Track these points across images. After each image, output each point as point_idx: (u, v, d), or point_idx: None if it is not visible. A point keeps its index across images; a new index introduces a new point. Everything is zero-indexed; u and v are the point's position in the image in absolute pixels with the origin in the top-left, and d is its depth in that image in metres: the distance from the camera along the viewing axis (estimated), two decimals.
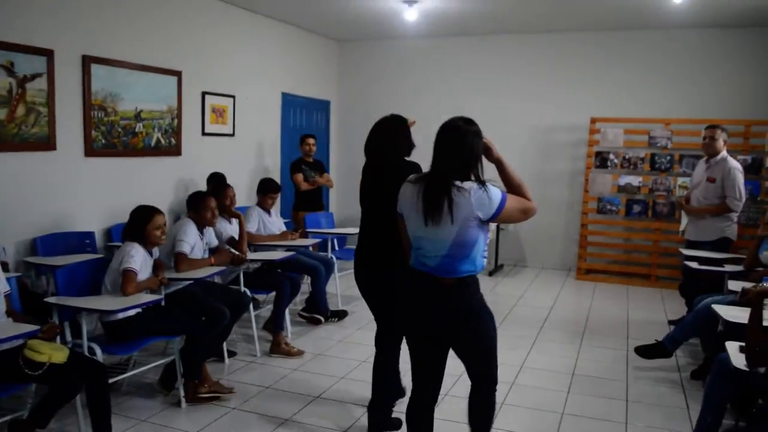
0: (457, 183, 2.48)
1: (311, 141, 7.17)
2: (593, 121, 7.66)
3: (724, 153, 5.35)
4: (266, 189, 5.49)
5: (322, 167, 7.35)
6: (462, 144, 2.54)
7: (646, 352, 4.56)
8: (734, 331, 3.35)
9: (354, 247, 3.55)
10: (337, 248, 6.65)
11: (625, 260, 7.74)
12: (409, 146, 3.30)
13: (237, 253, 4.64)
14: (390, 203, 2.80)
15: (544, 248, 8.32)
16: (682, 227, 5.70)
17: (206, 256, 4.41)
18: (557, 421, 3.75)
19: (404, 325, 2.81)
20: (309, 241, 5.68)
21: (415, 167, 3.13)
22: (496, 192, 2.51)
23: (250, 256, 4.89)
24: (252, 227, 5.34)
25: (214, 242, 4.63)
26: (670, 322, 5.83)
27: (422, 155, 3.08)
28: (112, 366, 3.86)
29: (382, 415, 3.48)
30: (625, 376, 4.50)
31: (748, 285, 3.74)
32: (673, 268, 7.49)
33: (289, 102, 8.07)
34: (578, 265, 7.84)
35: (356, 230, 6.10)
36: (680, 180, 7.29)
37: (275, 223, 5.60)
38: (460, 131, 2.56)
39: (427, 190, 2.51)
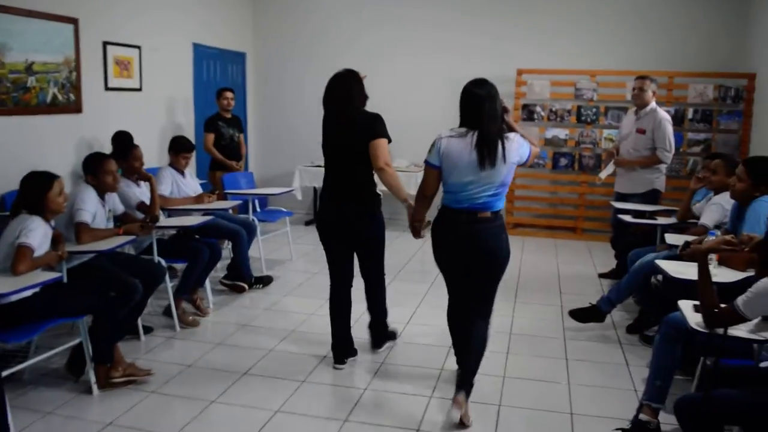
0: (504, 134, 3.05)
1: (229, 95, 6.69)
2: (520, 72, 7.51)
3: (653, 104, 5.29)
4: (179, 148, 5.03)
5: (239, 124, 6.89)
6: (497, 103, 3.09)
7: (581, 315, 4.43)
8: (674, 287, 3.27)
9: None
10: (258, 210, 6.28)
11: (552, 213, 7.74)
12: (365, 98, 3.67)
13: (147, 219, 4.17)
14: (362, 149, 3.46)
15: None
16: (602, 174, 5.64)
17: (110, 224, 3.96)
18: (500, 385, 3.61)
19: (441, 255, 3.24)
20: (228, 204, 5.27)
21: (378, 117, 3.57)
22: (523, 140, 3.13)
23: (164, 221, 4.47)
24: (165, 190, 4.88)
25: (120, 209, 4.17)
26: (601, 276, 5.84)
27: None
28: (7, 354, 3.41)
29: (383, 330, 4.03)
30: (562, 334, 4.42)
31: (689, 238, 3.68)
32: (599, 221, 7.55)
33: (202, 54, 7.49)
34: (506, 220, 7.74)
35: (279, 190, 5.73)
36: (606, 132, 7.29)
37: (190, 184, 5.16)
38: (493, 91, 3.11)
39: (483, 141, 2.99)
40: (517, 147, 3.07)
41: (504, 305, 4.94)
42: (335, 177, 3.65)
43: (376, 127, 3.51)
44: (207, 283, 4.83)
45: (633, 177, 5.37)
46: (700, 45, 7.22)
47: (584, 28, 7.52)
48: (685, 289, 2.98)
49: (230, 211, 5.47)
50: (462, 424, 3.09)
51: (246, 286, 5.20)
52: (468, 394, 3.12)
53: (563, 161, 7.43)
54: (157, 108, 6.76)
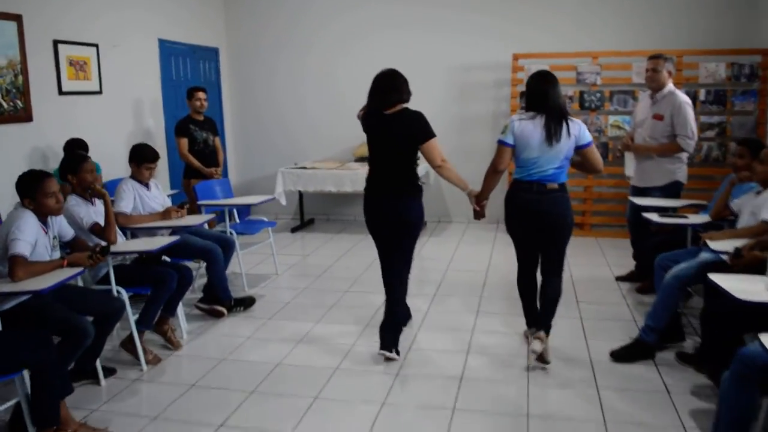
0: (568, 116, 3.55)
1: (202, 95, 6.08)
2: (516, 57, 6.94)
3: (670, 86, 4.74)
4: (140, 158, 4.41)
5: (214, 126, 6.28)
6: (558, 90, 3.59)
7: (626, 355, 3.70)
8: (729, 308, 2.70)
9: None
10: (238, 221, 5.68)
11: None
12: (410, 96, 3.79)
13: (96, 247, 3.43)
14: (411, 146, 3.69)
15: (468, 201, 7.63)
16: (627, 170, 5.06)
17: (56, 254, 3.35)
18: (524, 428, 3.05)
19: (514, 222, 3.74)
20: (199, 218, 4.66)
21: (422, 116, 3.70)
22: (587, 132, 3.61)
23: (121, 246, 3.85)
24: (126, 206, 4.27)
25: (69, 233, 3.55)
26: (619, 279, 5.29)
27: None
28: None
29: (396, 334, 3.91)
30: (587, 355, 3.85)
31: (738, 242, 3.11)
32: (608, 215, 7.01)
33: (169, 50, 6.86)
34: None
35: (259, 198, 5.14)
36: (612, 119, 6.73)
37: (156, 198, 4.55)
38: (555, 80, 3.60)
39: (551, 120, 3.48)
40: (579, 127, 3.57)
41: (518, 321, 4.38)
42: (385, 171, 3.81)
43: (424, 127, 3.68)
44: (180, 307, 4.24)
45: (651, 168, 4.81)
46: (708, 20, 6.68)
47: (584, 6, 6.95)
48: (750, 312, 2.42)
49: (206, 225, 4.87)
50: (542, 358, 3.60)
51: (224, 311, 4.60)
52: (547, 334, 3.67)
53: None
54: (120, 112, 6.13)
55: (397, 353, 3.80)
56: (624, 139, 5.14)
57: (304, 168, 7.11)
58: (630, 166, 5.01)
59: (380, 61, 7.82)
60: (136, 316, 3.82)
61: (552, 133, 3.47)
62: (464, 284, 5.31)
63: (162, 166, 6.66)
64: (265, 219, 5.73)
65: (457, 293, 5.07)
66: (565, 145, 3.52)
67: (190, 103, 6.06)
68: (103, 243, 3.59)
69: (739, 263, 2.89)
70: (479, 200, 3.85)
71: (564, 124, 3.50)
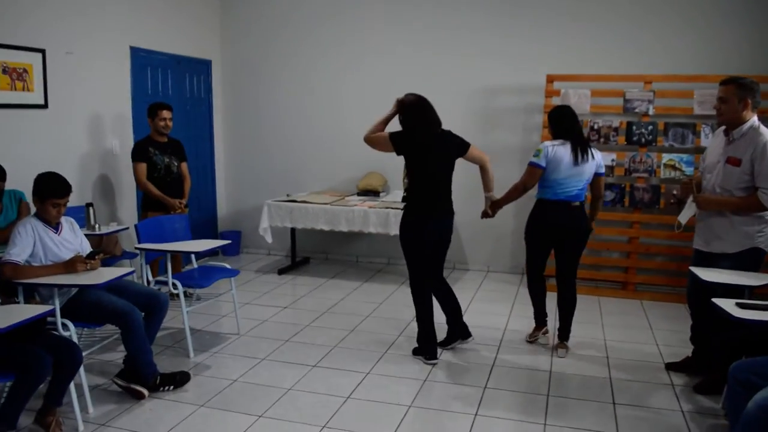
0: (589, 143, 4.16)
1: (166, 114, 5.16)
2: (550, 79, 5.78)
3: (753, 121, 3.52)
4: (45, 192, 3.41)
5: (179, 150, 5.33)
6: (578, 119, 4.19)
7: None
8: None
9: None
10: (195, 265, 4.65)
11: (594, 264, 5.93)
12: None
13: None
14: (452, 165, 4.07)
15: (490, 246, 6.46)
16: (682, 218, 3.84)
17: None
18: None
19: (537, 235, 4.21)
20: (117, 271, 3.59)
21: (451, 132, 4.08)
22: (603, 162, 4.24)
23: None
24: (18, 254, 3.27)
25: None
26: (670, 367, 4.04)
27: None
28: None
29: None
30: None
31: None
32: (658, 274, 5.76)
33: (144, 60, 5.93)
34: None
35: (213, 243, 4.74)
36: (666, 157, 5.50)
37: (68, 242, 3.54)
38: (575, 112, 4.17)
39: (578, 146, 4.01)
40: (599, 155, 4.14)
41: (530, 428, 3.21)
42: (435, 191, 4.01)
43: (460, 138, 4.08)
44: (84, 382, 3.21)
45: (722, 228, 3.59)
46: None
47: (634, 21, 5.77)
48: None
49: (134, 277, 3.84)
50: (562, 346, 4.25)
51: (144, 392, 3.53)
52: (567, 339, 4.33)
53: (609, 195, 5.66)
54: (72, 130, 5.20)
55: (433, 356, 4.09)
56: (684, 179, 3.92)
57: (294, 201, 6.06)
58: (687, 212, 3.79)
59: (391, 83, 6.83)
60: None
61: (579, 156, 3.99)
62: (469, 356, 4.15)
63: (128, 197, 5.71)
64: (228, 266, 4.66)
65: (457, 371, 3.91)
66: (589, 168, 4.06)
67: (153, 122, 5.13)
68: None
69: None
70: (495, 207, 4.27)
71: (588, 149, 4.06)
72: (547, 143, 4.05)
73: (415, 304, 4.12)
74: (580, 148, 4.00)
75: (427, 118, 3.94)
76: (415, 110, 3.93)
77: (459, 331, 4.34)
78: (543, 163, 4.01)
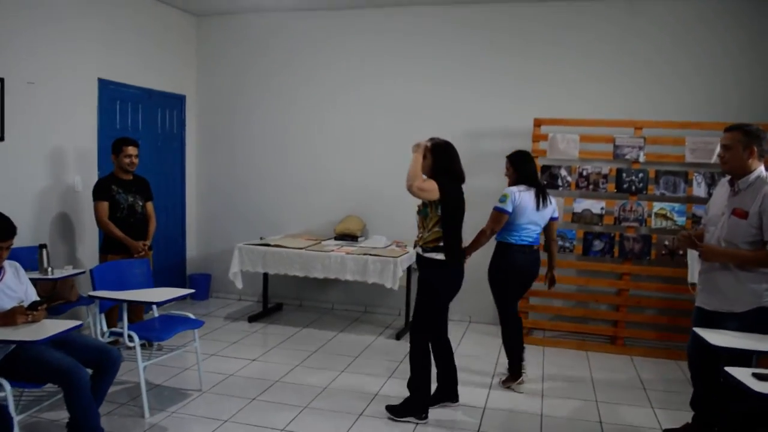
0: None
1: (132, 150, 4.84)
2: (537, 123, 5.57)
3: (760, 171, 3.30)
4: None
5: (144, 188, 5.01)
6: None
7: None
8: None
9: None
10: (156, 314, 4.28)
11: (582, 316, 5.66)
12: None
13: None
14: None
15: (472, 295, 6.06)
16: (692, 276, 3.54)
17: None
18: None
19: (504, 277, 4.29)
20: (62, 324, 3.20)
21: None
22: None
23: None
24: None
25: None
26: None
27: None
28: None
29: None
30: None
31: None
32: (647, 328, 5.49)
33: (113, 93, 5.63)
34: (522, 322, 5.68)
35: (176, 293, 4.20)
36: (657, 205, 5.29)
37: (10, 290, 3.18)
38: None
39: (539, 192, 4.21)
40: (554, 200, 4.40)
41: None
42: (459, 239, 3.83)
43: None
44: None
45: (727, 284, 3.32)
46: None
47: (624, 65, 5.63)
48: None
49: (91, 327, 3.47)
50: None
51: None
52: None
53: (598, 244, 5.41)
54: (30, 165, 4.86)
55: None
56: (683, 232, 3.64)
57: (267, 245, 5.73)
58: (695, 269, 3.51)
59: (371, 121, 6.60)
60: None
61: (539, 200, 4.17)
62: (456, 416, 3.80)
63: (90, 238, 5.34)
64: (192, 316, 4.28)
65: None
66: (548, 212, 4.27)
67: (117, 159, 4.82)
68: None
69: None
70: (466, 256, 4.03)
71: (547, 195, 4.27)
72: (513, 189, 4.17)
73: (422, 361, 3.79)
74: (542, 194, 4.19)
75: (458, 164, 3.80)
76: (451, 154, 3.76)
77: (450, 392, 4.04)
78: (510, 209, 4.11)
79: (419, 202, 3.78)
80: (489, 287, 4.44)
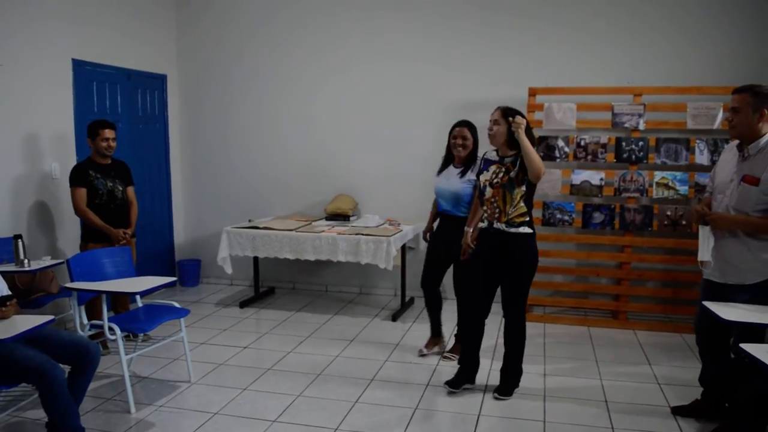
0: None
1: (109, 134, 4.62)
2: (532, 92, 5.36)
3: None
4: None
5: (124, 173, 4.79)
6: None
7: None
8: None
9: None
10: (140, 304, 4.09)
11: (583, 291, 5.50)
12: None
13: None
14: None
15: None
16: (703, 254, 3.32)
17: None
18: None
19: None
20: (34, 320, 3.01)
21: None
22: None
23: None
24: None
25: None
26: (676, 412, 3.58)
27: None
28: None
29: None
30: None
31: None
32: (649, 301, 5.34)
33: (89, 75, 5.39)
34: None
35: (153, 281, 3.99)
36: (658, 175, 5.11)
37: None
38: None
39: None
40: None
41: None
42: None
43: None
44: None
45: (737, 255, 3.15)
46: None
47: (623, 29, 5.40)
48: None
49: (72, 324, 3.28)
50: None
51: None
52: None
53: (598, 216, 5.24)
54: (3, 153, 4.66)
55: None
56: (696, 206, 3.45)
57: (256, 228, 5.53)
58: (707, 247, 3.30)
59: (363, 98, 6.37)
60: None
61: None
62: (456, 404, 3.64)
63: (70, 226, 5.12)
64: (177, 304, 4.09)
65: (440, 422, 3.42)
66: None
67: (93, 143, 4.59)
68: None
69: None
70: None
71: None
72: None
73: (524, 337, 3.86)
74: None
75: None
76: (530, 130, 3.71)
77: (473, 374, 4.00)
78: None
79: (481, 177, 3.79)
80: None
